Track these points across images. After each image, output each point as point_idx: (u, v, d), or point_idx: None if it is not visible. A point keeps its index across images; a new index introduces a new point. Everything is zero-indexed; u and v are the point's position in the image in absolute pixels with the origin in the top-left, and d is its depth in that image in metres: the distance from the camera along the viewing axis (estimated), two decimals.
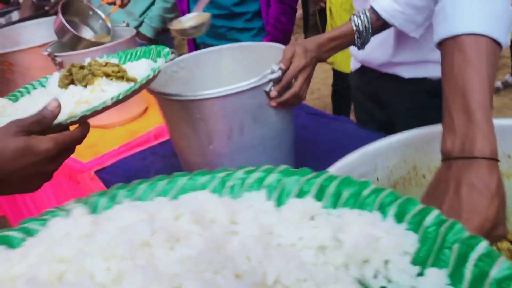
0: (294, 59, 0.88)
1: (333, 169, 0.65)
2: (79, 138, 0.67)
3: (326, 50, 0.94)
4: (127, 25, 1.61)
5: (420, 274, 0.36)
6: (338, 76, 2.69)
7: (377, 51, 1.12)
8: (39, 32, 1.70)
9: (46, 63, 1.35)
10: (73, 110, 0.69)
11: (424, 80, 1.13)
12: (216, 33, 1.80)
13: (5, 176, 0.58)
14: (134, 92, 0.70)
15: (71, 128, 0.67)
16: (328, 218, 0.40)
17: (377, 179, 0.71)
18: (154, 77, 0.74)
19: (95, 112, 0.66)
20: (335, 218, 0.41)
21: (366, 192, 0.42)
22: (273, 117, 0.90)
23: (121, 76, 0.78)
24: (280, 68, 0.85)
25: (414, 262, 0.37)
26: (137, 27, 2.25)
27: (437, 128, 0.66)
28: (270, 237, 0.39)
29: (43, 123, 0.63)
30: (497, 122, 0.60)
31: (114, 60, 0.90)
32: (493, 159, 0.54)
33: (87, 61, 0.81)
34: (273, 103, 0.87)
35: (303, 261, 0.36)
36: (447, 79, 0.61)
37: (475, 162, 0.53)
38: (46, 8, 2.20)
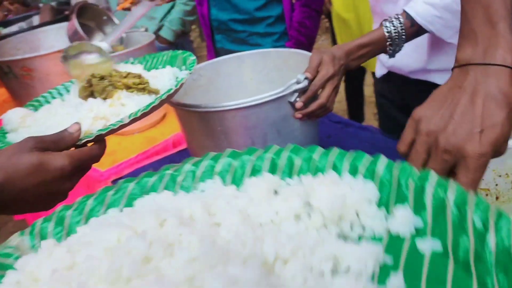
0: (322, 68, 0.79)
1: None
2: (97, 156, 0.62)
3: (355, 57, 0.85)
4: (146, 30, 1.49)
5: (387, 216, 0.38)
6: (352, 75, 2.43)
7: (410, 58, 1.01)
8: (59, 37, 1.62)
9: (65, 68, 1.39)
10: (90, 127, 0.65)
11: None
12: (237, 38, 1.63)
13: (18, 193, 0.53)
14: (154, 108, 0.64)
15: (88, 144, 0.63)
16: (292, 189, 0.41)
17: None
18: (176, 90, 0.68)
19: (111, 131, 0.62)
20: (297, 186, 0.42)
21: (316, 155, 0.44)
22: (297, 129, 0.80)
23: (142, 88, 0.73)
24: (306, 78, 0.76)
25: (379, 206, 0.39)
26: (156, 31, 2.11)
27: None
28: (249, 219, 0.39)
29: (60, 145, 0.59)
30: None
31: (139, 66, 0.83)
32: None
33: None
34: (298, 115, 0.78)
35: (288, 232, 0.37)
36: None
37: (496, 70, 0.49)
38: (66, 12, 2.04)
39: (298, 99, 0.76)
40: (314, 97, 0.79)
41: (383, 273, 0.34)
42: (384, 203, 0.40)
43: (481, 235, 0.34)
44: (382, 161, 0.41)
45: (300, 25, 1.53)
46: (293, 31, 1.54)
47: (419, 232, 0.37)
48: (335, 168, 0.43)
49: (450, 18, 0.81)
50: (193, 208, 0.39)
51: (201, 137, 0.81)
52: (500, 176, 0.66)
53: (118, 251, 0.33)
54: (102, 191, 0.46)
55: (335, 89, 0.81)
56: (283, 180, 0.44)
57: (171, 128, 1.32)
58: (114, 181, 1.13)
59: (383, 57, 1.08)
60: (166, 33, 2.12)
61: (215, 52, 1.72)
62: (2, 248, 0.41)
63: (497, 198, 0.67)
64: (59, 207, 0.46)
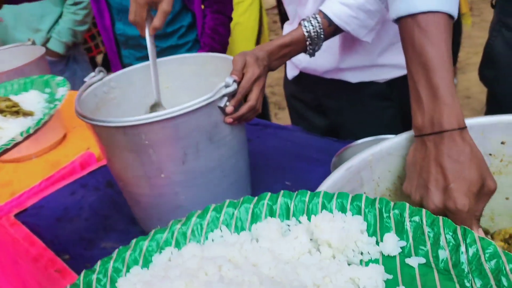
0: (247, 70, 0.77)
1: (323, 189, 0.60)
2: None
3: (277, 57, 0.85)
4: (33, 43, 1.36)
5: (377, 241, 0.48)
6: None
7: (322, 58, 1.02)
8: None
9: None
10: None
11: (371, 84, 1.07)
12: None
13: None
14: (44, 124, 0.66)
15: None
16: (297, 228, 0.49)
17: (364, 194, 0.67)
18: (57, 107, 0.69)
19: (5, 151, 0.60)
20: (300, 226, 0.50)
21: (307, 198, 0.52)
22: (228, 135, 0.77)
23: (15, 111, 0.71)
24: (234, 81, 0.75)
25: (369, 234, 0.49)
26: (44, 44, 1.95)
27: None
28: (277, 257, 0.46)
29: None
30: (477, 120, 0.63)
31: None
32: (462, 128, 0.57)
33: None
34: (229, 119, 0.75)
35: (310, 263, 0.45)
36: (410, 57, 0.62)
37: (446, 135, 0.57)
38: None
39: (227, 103, 0.73)
40: (243, 100, 0.76)
41: (388, 287, 0.44)
42: (372, 231, 0.49)
43: (454, 247, 0.44)
44: (363, 198, 0.51)
45: (213, 32, 1.51)
46: (206, 38, 1.51)
47: (404, 251, 0.47)
48: (325, 207, 0.52)
49: (364, 18, 0.85)
50: (231, 254, 0.46)
51: (124, 153, 0.74)
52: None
53: None
54: (118, 252, 0.50)
55: (262, 90, 0.79)
56: (283, 222, 0.52)
57: (74, 149, 1.21)
58: (18, 215, 0.99)
59: (295, 59, 1.09)
60: (55, 46, 1.94)
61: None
62: None
63: None
64: (83, 272, 0.48)
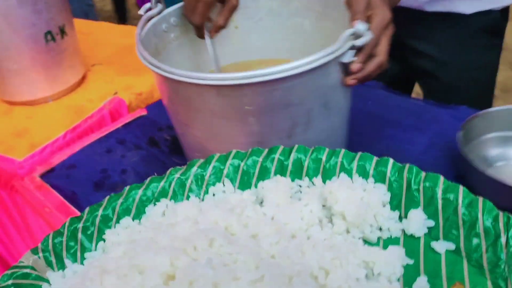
0: (374, 12, 0.59)
1: None
2: None
3: None
4: None
5: (400, 217, 0.42)
6: None
7: None
8: None
9: None
10: None
11: (485, 15, 0.88)
12: None
13: None
14: None
15: None
16: (309, 193, 0.43)
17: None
18: None
19: None
20: (314, 190, 0.43)
21: (324, 156, 0.46)
22: (342, 99, 0.60)
23: None
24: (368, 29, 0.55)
25: (392, 208, 0.42)
26: None
27: None
28: (281, 228, 0.41)
29: None
30: None
31: None
32: None
33: None
34: (352, 81, 0.58)
35: (319, 238, 0.40)
36: None
37: None
38: None
39: (354, 58, 0.55)
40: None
41: (407, 274, 0.38)
42: (395, 205, 0.43)
43: (493, 238, 0.37)
44: (390, 163, 0.44)
45: None
46: None
47: (431, 233, 0.41)
48: (344, 169, 0.45)
49: None
50: (229, 222, 0.40)
51: (216, 120, 0.56)
52: None
53: (182, 279, 0.33)
54: (109, 200, 0.46)
55: (390, 41, 0.62)
56: (293, 182, 0.46)
57: (97, 92, 1.00)
58: (43, 176, 0.83)
59: None
60: None
61: None
62: (19, 268, 0.40)
63: None
64: (68, 219, 0.44)
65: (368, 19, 0.58)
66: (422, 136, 0.76)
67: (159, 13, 0.68)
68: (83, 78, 1.05)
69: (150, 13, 0.68)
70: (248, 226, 0.41)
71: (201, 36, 0.71)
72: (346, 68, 0.56)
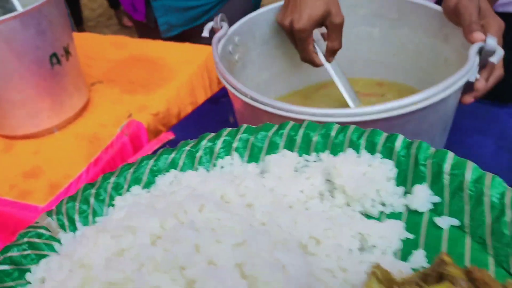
0: (489, 22, 0.53)
1: None
2: None
3: None
4: None
5: (405, 192, 0.41)
6: None
7: None
8: None
9: None
10: None
11: None
12: None
13: None
14: None
15: None
16: (313, 167, 0.43)
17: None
18: None
19: None
20: (318, 164, 0.43)
21: (333, 132, 0.44)
22: (451, 117, 0.55)
23: None
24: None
25: (398, 184, 0.41)
26: None
27: None
28: (279, 199, 0.40)
29: None
30: None
31: None
32: None
33: None
34: (471, 99, 0.52)
35: (316, 211, 0.39)
36: None
37: None
38: None
39: (478, 75, 0.51)
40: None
41: (405, 248, 0.36)
42: (401, 180, 0.41)
43: (498, 213, 0.35)
44: (399, 139, 0.42)
45: None
46: None
47: (436, 209, 0.39)
48: (353, 145, 0.44)
49: None
50: (225, 191, 0.40)
51: None
52: None
53: (167, 239, 0.33)
54: (122, 169, 0.47)
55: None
56: (301, 156, 0.45)
57: (107, 115, 0.86)
58: None
59: None
60: None
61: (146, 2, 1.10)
62: (34, 228, 0.42)
63: None
64: (82, 185, 0.46)
65: (481, 29, 0.51)
66: (488, 139, 0.68)
67: (225, 33, 0.64)
68: (87, 102, 0.91)
69: (218, 34, 0.63)
70: (246, 196, 0.40)
71: (316, 65, 0.69)
72: (468, 86, 0.51)
